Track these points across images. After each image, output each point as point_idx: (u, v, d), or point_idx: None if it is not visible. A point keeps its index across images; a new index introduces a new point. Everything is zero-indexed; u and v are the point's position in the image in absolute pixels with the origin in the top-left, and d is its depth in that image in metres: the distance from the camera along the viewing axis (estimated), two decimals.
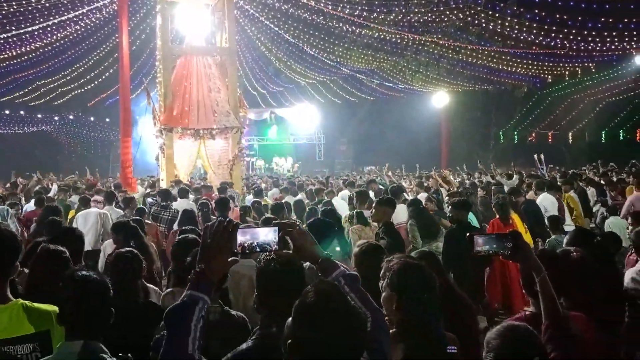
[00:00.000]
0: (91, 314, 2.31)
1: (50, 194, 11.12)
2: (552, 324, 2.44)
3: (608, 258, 4.23)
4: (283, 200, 9.92)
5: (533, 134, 37.55)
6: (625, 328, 3.87)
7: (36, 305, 2.51)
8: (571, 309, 2.78)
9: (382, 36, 24.29)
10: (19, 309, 2.45)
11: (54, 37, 21.68)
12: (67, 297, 2.34)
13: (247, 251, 2.01)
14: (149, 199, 10.60)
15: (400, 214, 7.36)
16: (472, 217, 7.27)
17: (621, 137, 36.29)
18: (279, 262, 2.27)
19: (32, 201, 9.75)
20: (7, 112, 33.96)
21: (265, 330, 2.26)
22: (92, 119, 38.92)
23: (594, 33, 20.38)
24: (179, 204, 9.37)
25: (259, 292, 2.34)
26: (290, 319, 1.75)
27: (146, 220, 7.56)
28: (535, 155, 16.37)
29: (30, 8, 18.29)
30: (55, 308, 2.45)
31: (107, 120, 37.56)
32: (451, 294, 3.32)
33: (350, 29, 23.67)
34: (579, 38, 20.82)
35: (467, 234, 2.50)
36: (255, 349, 2.22)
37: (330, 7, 20.91)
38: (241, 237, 1.97)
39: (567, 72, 27.27)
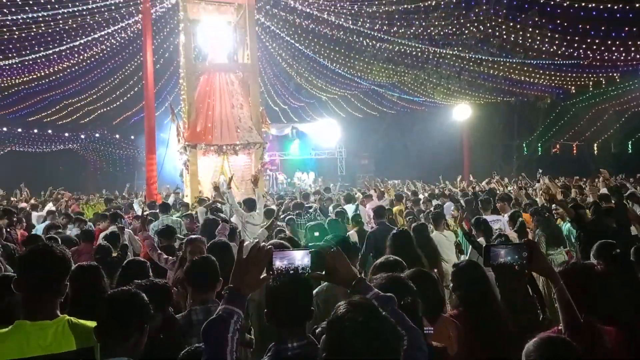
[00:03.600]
0: (123, 332, 2.34)
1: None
2: (571, 334, 2.42)
3: (630, 270, 4.16)
4: None
5: (557, 146, 37.02)
6: None
7: (81, 321, 2.54)
8: (602, 324, 2.75)
9: (402, 50, 24.32)
10: (64, 325, 2.49)
11: (81, 57, 22.16)
12: (102, 313, 2.39)
13: (283, 274, 2.06)
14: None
15: None
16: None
17: None
18: (285, 278, 2.28)
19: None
20: (35, 130, 34.73)
21: (280, 346, 2.29)
22: (117, 136, 39.53)
23: (617, 42, 20.11)
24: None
25: (267, 307, 2.39)
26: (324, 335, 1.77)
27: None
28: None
29: (57, 29, 18.77)
30: None
31: (132, 137, 38.12)
32: None
33: (370, 43, 23.76)
34: (603, 48, 20.55)
35: (485, 246, 2.51)
36: None
37: (350, 22, 21.03)
38: (277, 261, 2.02)
39: (591, 83, 26.86)
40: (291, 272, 2.06)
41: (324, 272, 2.17)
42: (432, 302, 3.05)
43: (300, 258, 2.04)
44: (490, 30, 22.82)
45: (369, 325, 1.65)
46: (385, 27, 21.64)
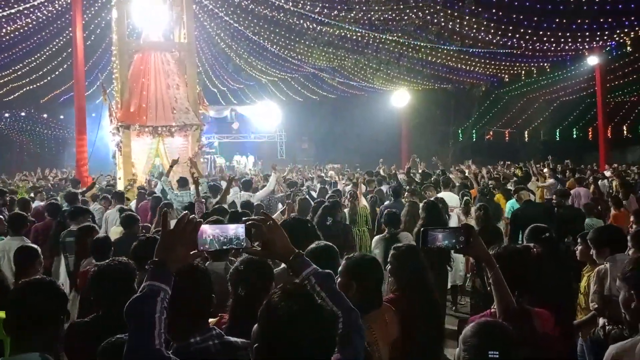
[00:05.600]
0: (36, 325, 2.12)
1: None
2: (506, 318, 2.43)
3: (559, 253, 4.31)
4: None
5: (490, 132, 38.32)
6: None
7: None
8: (533, 306, 2.78)
9: (343, 34, 24.29)
10: None
11: (4, 30, 20.86)
12: (13, 304, 2.17)
13: (216, 247, 1.93)
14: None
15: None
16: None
17: (574, 136, 37.43)
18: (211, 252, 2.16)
19: None
20: None
21: (181, 342, 2.13)
22: (45, 116, 37.72)
23: (548, 33, 20.88)
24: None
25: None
26: (256, 325, 1.68)
27: None
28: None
29: None
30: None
31: (62, 117, 36.46)
32: None
33: (311, 26, 23.59)
34: (535, 38, 21.29)
35: (422, 229, 2.48)
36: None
37: (290, 4, 20.76)
38: (208, 229, 1.89)
39: (523, 72, 27.88)
40: (224, 246, 1.93)
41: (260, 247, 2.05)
42: (376, 287, 3.01)
43: (234, 229, 1.92)
44: (429, 17, 23.11)
45: (304, 313, 1.58)
46: (325, 10, 21.51)
